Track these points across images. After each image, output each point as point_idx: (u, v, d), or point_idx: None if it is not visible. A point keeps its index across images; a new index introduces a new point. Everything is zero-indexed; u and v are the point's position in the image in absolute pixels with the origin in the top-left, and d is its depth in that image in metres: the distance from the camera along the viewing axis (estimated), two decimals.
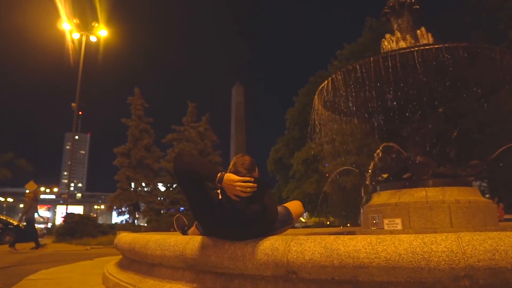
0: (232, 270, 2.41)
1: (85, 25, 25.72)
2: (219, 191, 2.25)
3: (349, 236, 2.09)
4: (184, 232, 3.30)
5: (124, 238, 4.06)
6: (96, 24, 26.00)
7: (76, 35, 25.68)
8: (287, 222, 2.87)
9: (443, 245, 1.82)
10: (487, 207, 5.85)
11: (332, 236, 2.11)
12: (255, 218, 2.29)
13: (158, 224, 18.67)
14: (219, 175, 2.17)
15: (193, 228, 3.12)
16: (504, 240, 1.76)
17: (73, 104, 25.75)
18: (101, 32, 25.81)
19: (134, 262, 3.80)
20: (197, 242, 2.63)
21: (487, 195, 25.96)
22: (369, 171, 6.07)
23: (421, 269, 1.82)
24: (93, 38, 25.82)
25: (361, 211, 6.99)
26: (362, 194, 6.13)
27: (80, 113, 26.61)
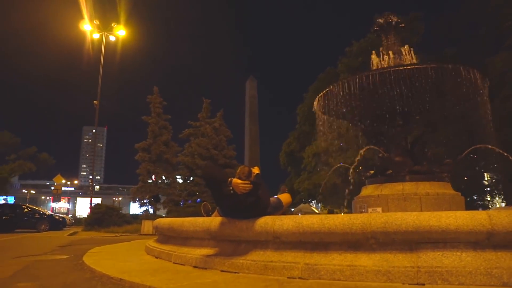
0: (240, 237, 3.82)
1: (105, 26, 27.30)
2: (231, 188, 3.62)
3: (310, 215, 3.45)
4: (209, 215, 4.71)
5: (163, 220, 5.51)
6: (115, 25, 27.56)
7: (96, 35, 27.33)
8: (278, 208, 4.27)
9: (360, 220, 3.17)
10: (453, 199, 7.07)
11: (299, 215, 3.47)
12: (252, 205, 3.70)
13: (177, 214, 20.19)
14: (229, 180, 3.56)
15: (215, 213, 4.52)
16: (393, 216, 3.09)
17: (95, 102, 27.35)
18: (120, 32, 27.40)
19: (170, 238, 5.22)
20: (218, 220, 4.04)
21: (501, 186, 26.53)
22: (352, 168, 7.33)
23: (347, 234, 3.18)
24: (112, 38, 27.44)
25: (353, 202, 8.26)
26: (347, 191, 7.41)
27: (96, 106, 28.46)
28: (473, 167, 21.89)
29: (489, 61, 21.20)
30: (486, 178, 26.32)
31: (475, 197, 24.98)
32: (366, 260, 3.07)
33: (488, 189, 25.98)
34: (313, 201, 35.67)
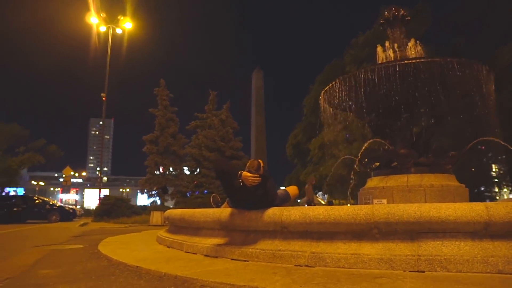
0: (249, 228, 4.00)
1: (112, 19, 27.43)
2: (240, 181, 3.80)
3: (316, 206, 3.62)
4: (218, 207, 4.90)
5: (175, 211, 5.71)
6: (122, 18, 27.66)
7: (103, 28, 27.47)
8: (286, 200, 4.45)
9: (364, 211, 3.33)
10: (457, 190, 7.19)
11: (306, 207, 3.64)
12: (261, 197, 3.88)
13: (185, 205, 20.48)
14: (239, 173, 3.74)
15: (225, 204, 4.71)
16: (396, 207, 3.25)
17: (102, 94, 27.64)
18: (126, 25, 27.51)
19: (182, 228, 5.42)
20: (228, 211, 4.23)
21: (508, 177, 26.50)
22: (357, 161, 7.47)
23: (351, 224, 3.34)
24: (118, 31, 27.57)
25: (358, 193, 8.41)
26: (351, 183, 7.56)
27: (103, 99, 28.89)
28: (480, 158, 21.87)
29: (498, 52, 21.04)
30: (494, 170, 26.29)
31: (482, 189, 24.98)
32: (369, 249, 3.24)
33: (496, 180, 25.95)
34: (319, 192, 35.87)
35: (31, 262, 4.30)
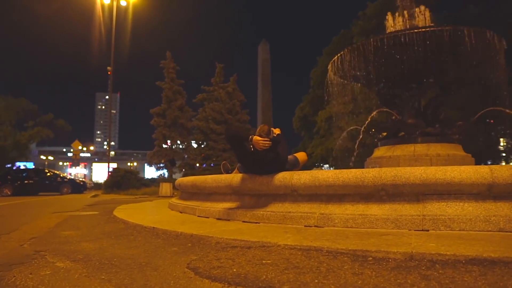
0: (260, 191, 4.16)
1: None
2: (251, 146, 3.92)
3: (325, 170, 3.75)
4: (228, 173, 5.05)
5: (186, 178, 5.88)
6: None
7: (107, 0, 27.13)
8: (295, 165, 4.57)
9: (371, 174, 3.45)
10: (463, 160, 7.26)
11: (316, 170, 3.77)
12: (272, 161, 4.01)
13: None
14: (250, 137, 3.86)
15: (235, 170, 4.86)
16: (402, 170, 3.36)
17: (108, 68, 27.63)
18: None
19: (193, 194, 5.61)
20: (239, 176, 4.38)
21: None
22: (363, 129, 7.54)
23: (359, 186, 3.47)
24: (123, 3, 27.24)
25: (365, 163, 8.52)
26: (355, 154, 7.64)
27: (109, 73, 29.04)
28: (489, 132, 21.78)
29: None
30: (502, 144, 26.22)
31: (489, 163, 25.01)
32: (376, 210, 3.38)
33: (504, 154, 25.91)
34: (326, 165, 36.07)
35: (52, 225, 4.53)
